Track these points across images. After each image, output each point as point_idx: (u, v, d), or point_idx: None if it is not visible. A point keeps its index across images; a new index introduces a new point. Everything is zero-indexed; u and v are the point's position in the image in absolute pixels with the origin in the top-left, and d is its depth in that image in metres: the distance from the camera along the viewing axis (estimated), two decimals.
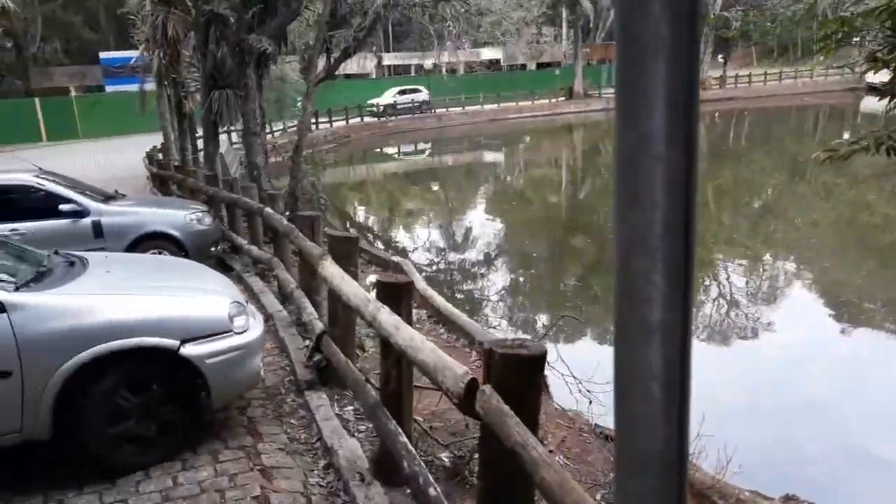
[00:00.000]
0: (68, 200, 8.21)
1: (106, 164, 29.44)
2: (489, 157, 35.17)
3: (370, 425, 4.33)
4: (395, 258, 9.43)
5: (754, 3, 55.80)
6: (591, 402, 5.09)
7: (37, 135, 40.06)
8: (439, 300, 7.55)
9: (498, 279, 13.12)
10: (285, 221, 6.64)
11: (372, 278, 8.12)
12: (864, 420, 6.53)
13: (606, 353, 5.02)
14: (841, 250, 14.07)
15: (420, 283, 8.18)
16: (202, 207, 9.45)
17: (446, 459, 4.15)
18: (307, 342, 5.33)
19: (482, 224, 18.49)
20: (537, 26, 52.09)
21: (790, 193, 20.74)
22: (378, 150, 37.66)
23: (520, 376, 2.20)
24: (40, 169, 9.27)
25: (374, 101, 41.51)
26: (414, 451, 3.06)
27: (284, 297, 7.07)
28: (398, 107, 42.08)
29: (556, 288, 12.11)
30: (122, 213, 8.55)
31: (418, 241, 16.84)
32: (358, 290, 3.90)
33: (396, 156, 36.79)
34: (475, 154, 35.99)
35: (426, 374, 2.64)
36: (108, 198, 8.93)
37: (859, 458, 5.94)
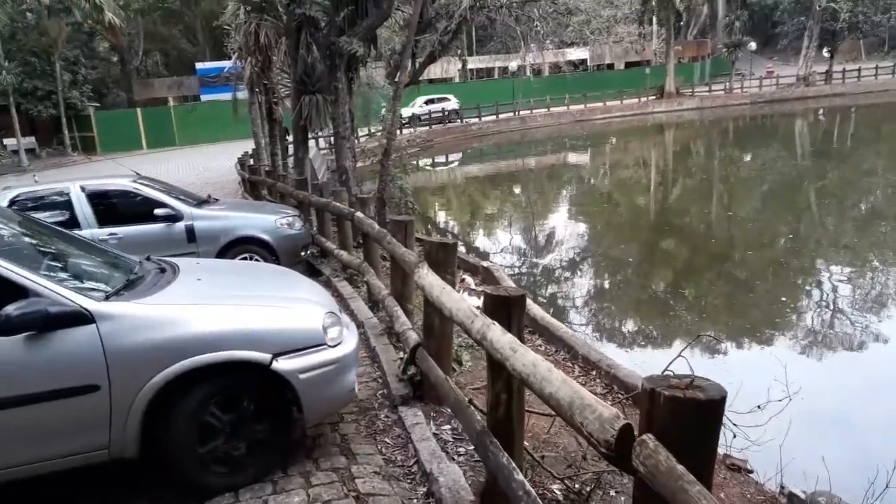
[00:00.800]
0: (163, 205, 8.29)
1: (200, 169, 30.66)
2: (573, 158, 34.28)
3: (470, 447, 3.95)
4: (485, 263, 9.05)
5: None
6: (734, 436, 4.41)
7: (138, 143, 42.28)
8: (535, 308, 7.09)
9: (586, 284, 12.53)
10: (377, 226, 6.37)
11: (469, 282, 7.75)
12: None
13: (740, 375, 4.43)
14: None
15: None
16: (292, 212, 9.38)
17: (559, 492, 3.71)
18: (401, 354, 5.00)
19: (567, 228, 17.88)
20: (626, 24, 50.62)
21: None
22: (461, 153, 37.48)
23: (693, 425, 1.74)
24: (138, 174, 9.45)
25: None
26: (533, 492, 2.64)
27: (374, 304, 6.81)
28: (423, 118, 39.83)
29: (649, 294, 11.37)
30: (214, 218, 8.57)
31: (500, 245, 16.44)
32: (461, 303, 3.52)
33: (479, 159, 36.45)
34: (558, 156, 35.19)
35: (557, 411, 2.22)
36: (200, 202, 8.98)
37: None
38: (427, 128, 39.02)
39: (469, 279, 7.83)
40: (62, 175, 29.93)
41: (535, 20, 29.14)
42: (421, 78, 29.02)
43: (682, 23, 58.11)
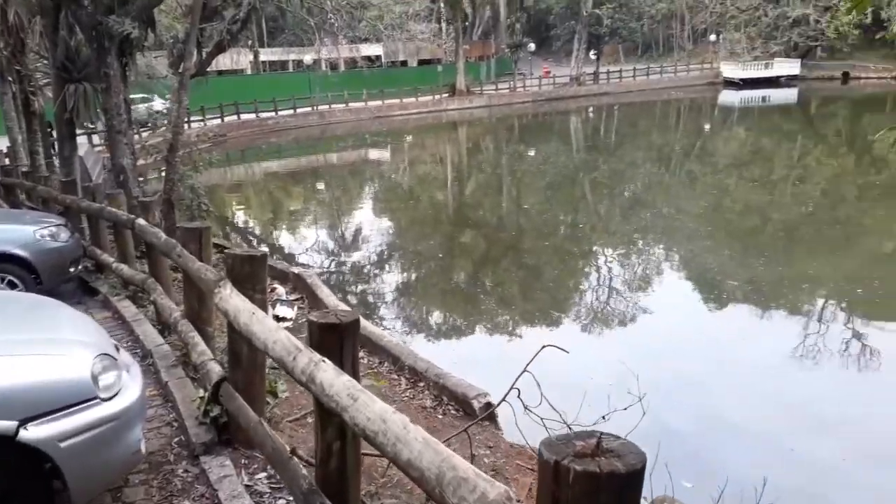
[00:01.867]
0: None
1: None
2: (374, 154, 34.13)
3: (291, 498, 3.33)
4: (296, 269, 8.30)
5: (622, 1, 58.36)
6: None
7: None
8: None
9: (395, 281, 12.34)
10: (163, 235, 5.41)
11: (280, 291, 6.99)
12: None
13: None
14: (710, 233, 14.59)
15: (330, 299, 7.15)
16: (57, 220, 7.89)
17: None
18: (201, 392, 4.20)
19: (372, 224, 17.65)
20: (417, 22, 51.53)
21: (659, 184, 21.49)
22: (258, 148, 35.68)
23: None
24: None
25: None
26: None
27: (166, 327, 5.82)
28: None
29: (456, 287, 11.61)
30: None
31: (307, 244, 15.76)
32: (277, 333, 2.88)
33: (277, 155, 34.93)
34: (360, 152, 34.87)
35: (418, 483, 1.73)
36: None
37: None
38: (219, 121, 36.47)
39: (280, 288, 7.11)
40: None
41: (328, 12, 28.47)
42: (209, 69, 26.99)
43: (468, 23, 60.48)
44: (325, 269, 12.89)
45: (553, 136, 36.83)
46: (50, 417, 2.77)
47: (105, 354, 3.17)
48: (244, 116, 38.27)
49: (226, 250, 4.14)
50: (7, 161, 17.71)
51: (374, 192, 24.55)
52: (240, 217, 21.36)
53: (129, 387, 3.22)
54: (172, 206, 9.04)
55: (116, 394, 3.09)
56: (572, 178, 24.00)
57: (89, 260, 8.48)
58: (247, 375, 3.86)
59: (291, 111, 40.35)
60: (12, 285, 7.13)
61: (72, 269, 7.71)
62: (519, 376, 3.53)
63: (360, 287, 12.06)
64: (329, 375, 2.32)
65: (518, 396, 3.69)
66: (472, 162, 30.47)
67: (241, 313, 3.35)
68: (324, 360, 2.43)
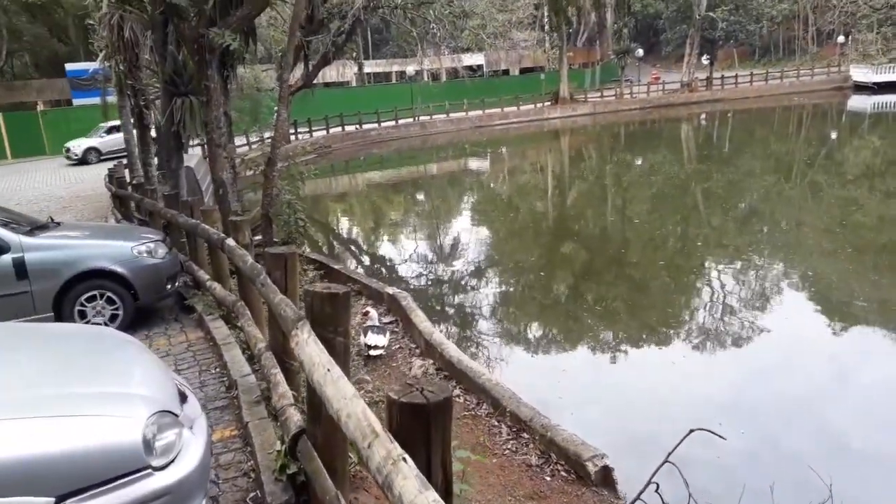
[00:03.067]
0: None
1: (73, 180, 27.70)
2: (474, 164, 33.72)
3: None
4: (391, 290, 7.86)
5: (739, 3, 55.26)
6: None
7: (1, 152, 38.02)
8: (451, 349, 5.99)
9: (495, 300, 11.64)
10: (249, 259, 5.05)
11: (373, 316, 6.55)
12: None
13: None
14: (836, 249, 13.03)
15: (424, 325, 6.63)
16: (155, 236, 7.83)
17: None
18: (278, 445, 3.74)
19: (470, 235, 17.09)
20: (520, 30, 50.92)
21: (778, 195, 19.75)
22: (361, 159, 36.19)
23: None
24: None
25: (71, 143, 31.10)
26: None
27: (252, 356, 5.47)
28: (104, 152, 29.70)
29: (561, 310, 10.79)
30: (51, 248, 6.93)
31: (404, 255, 15.46)
32: (353, 405, 2.32)
33: (379, 165, 35.24)
34: (460, 162, 34.56)
35: None
36: (35, 227, 7.29)
37: None
38: (325, 133, 37.30)
39: (373, 312, 6.66)
40: None
41: (430, 22, 28.30)
42: (316, 81, 27.49)
43: (572, 29, 59.22)
44: (421, 283, 12.47)
45: (662, 145, 35.11)
46: (92, 493, 2.35)
47: (164, 412, 2.74)
48: (348, 128, 38.97)
49: (307, 287, 3.66)
50: (127, 172, 18.56)
51: (472, 202, 24.11)
52: (343, 225, 21.49)
53: (191, 449, 2.78)
54: (271, 222, 8.85)
55: (174, 459, 2.65)
56: (682, 188, 22.60)
57: (187, 275, 8.39)
58: (326, 433, 3.34)
59: (394, 122, 40.73)
60: (110, 301, 7.10)
61: (169, 286, 7.61)
62: (661, 465, 2.83)
63: (455, 301, 11.51)
64: (410, 489, 1.72)
65: (657, 491, 2.97)
66: (574, 171, 29.47)
67: (315, 368, 2.83)
68: (404, 459, 1.84)
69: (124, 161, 19.30)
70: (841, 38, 52.74)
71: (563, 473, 4.26)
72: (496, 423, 4.92)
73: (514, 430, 4.78)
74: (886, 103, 43.31)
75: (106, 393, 2.78)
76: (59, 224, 7.83)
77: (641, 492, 3.24)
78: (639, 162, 29.18)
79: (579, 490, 4.08)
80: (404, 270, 13.79)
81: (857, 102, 45.41)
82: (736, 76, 51.26)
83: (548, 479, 4.21)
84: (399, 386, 2.13)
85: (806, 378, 7.28)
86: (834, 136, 34.50)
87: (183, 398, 3.28)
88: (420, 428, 2.04)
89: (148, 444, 2.56)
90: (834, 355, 8.11)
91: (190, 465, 2.73)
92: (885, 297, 9.83)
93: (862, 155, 27.56)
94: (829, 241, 13.76)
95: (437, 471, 2.06)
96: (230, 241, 5.83)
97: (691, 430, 3.10)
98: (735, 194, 20.45)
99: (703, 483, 3.70)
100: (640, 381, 7.28)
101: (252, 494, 3.74)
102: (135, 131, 17.09)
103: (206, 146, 16.84)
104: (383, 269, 14.18)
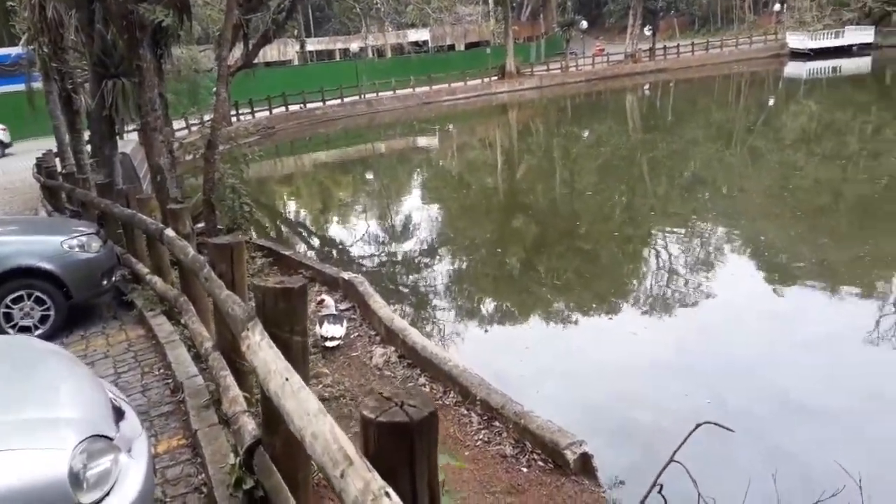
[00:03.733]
0: None
1: None
2: (423, 141, 33.26)
3: None
4: (346, 274, 7.48)
5: None
6: None
7: None
8: (413, 335, 5.69)
9: (449, 277, 11.39)
10: (191, 251, 4.63)
11: (329, 303, 6.19)
12: None
13: None
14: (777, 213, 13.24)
15: (384, 311, 6.31)
16: (88, 228, 7.26)
17: None
18: (231, 458, 3.38)
19: (422, 213, 16.80)
20: (465, 4, 50.31)
21: (720, 162, 20.12)
22: (307, 139, 35.29)
23: None
24: None
25: None
26: None
27: (198, 356, 5.07)
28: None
29: (517, 285, 10.62)
30: None
31: (356, 236, 15.08)
32: (319, 423, 2.00)
33: (326, 145, 34.43)
34: (408, 140, 34.05)
35: None
36: None
37: None
38: (268, 113, 36.17)
39: (328, 300, 6.30)
40: None
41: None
42: (257, 60, 26.46)
43: (516, 3, 58.85)
44: (376, 265, 12.11)
45: (608, 116, 35.28)
46: None
47: (96, 437, 2.37)
48: (292, 108, 37.92)
49: (255, 281, 3.29)
50: (58, 162, 17.51)
51: (423, 180, 23.76)
52: (291, 209, 20.87)
53: (129, 477, 2.42)
54: (213, 209, 8.35)
55: (109, 491, 2.29)
56: (629, 158, 22.71)
57: (126, 269, 7.85)
58: (285, 443, 3.01)
59: (339, 101, 39.80)
60: (39, 301, 6.55)
61: (104, 282, 7.07)
62: (666, 465, 2.60)
63: (412, 282, 11.20)
64: None
65: (660, 492, 2.75)
66: (522, 145, 29.32)
67: (271, 376, 2.50)
68: (387, 494, 1.53)
69: (54, 149, 18.23)
70: (777, 7, 53.81)
71: (539, 463, 4.03)
72: (465, 412, 4.66)
73: (486, 418, 4.52)
74: (821, 69, 44.46)
75: (25, 420, 2.39)
76: None
77: (647, 494, 3.02)
78: (586, 134, 29.26)
79: (558, 480, 3.87)
80: (357, 252, 13.41)
81: (794, 69, 46.46)
82: (678, 46, 51.82)
83: (524, 470, 3.98)
84: (374, 401, 1.81)
85: (753, 337, 7.27)
86: (772, 102, 35.21)
87: (119, 415, 2.90)
88: (403, 450, 1.74)
89: (76, 478, 2.20)
90: (777, 314, 8.15)
91: (129, 495, 2.38)
92: (825, 257, 9.98)
93: (799, 120, 28.18)
94: (770, 204, 13.96)
95: (423, 497, 1.76)
96: (169, 232, 5.37)
97: (698, 425, 2.88)
98: (679, 163, 20.69)
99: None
100: (603, 353, 7.16)
101: None
102: (63, 117, 16.08)
103: (140, 132, 15.95)
104: (335, 253, 13.76)
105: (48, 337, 6.57)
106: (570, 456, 3.91)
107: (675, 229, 12.68)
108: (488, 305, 9.73)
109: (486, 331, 8.49)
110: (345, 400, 4.86)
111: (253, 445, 3.15)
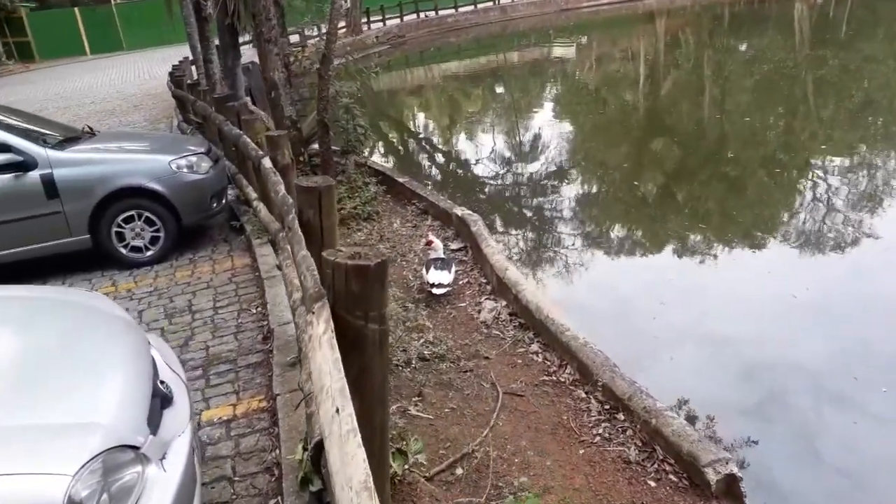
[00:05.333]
0: (4, 148, 5.93)
1: (146, 77, 27.50)
2: (559, 52, 31.17)
3: None
4: (459, 210, 6.81)
5: None
6: None
7: (80, 48, 38.35)
8: (528, 292, 4.96)
9: (581, 213, 10.38)
10: (281, 190, 4.11)
11: (437, 246, 5.59)
12: None
13: None
14: None
15: (497, 258, 5.61)
16: (199, 147, 7.01)
17: None
18: (300, 450, 2.90)
19: (553, 131, 15.56)
20: None
21: None
22: (437, 48, 34.22)
23: None
24: None
25: None
26: None
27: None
28: None
29: (648, 210, 9.46)
30: (82, 163, 6.23)
31: (480, 154, 14.26)
32: (353, 468, 1.38)
33: (456, 55, 33.23)
34: (543, 50, 32.06)
35: None
36: (67, 139, 6.58)
37: None
38: (398, 21, 35.32)
39: (437, 242, 5.67)
40: None
41: None
42: None
43: None
44: (496, 195, 11.31)
45: (771, 27, 31.31)
46: None
47: (115, 448, 1.89)
48: (423, 15, 36.77)
49: (326, 254, 2.66)
50: (193, 70, 17.82)
51: (556, 95, 22.27)
52: (416, 123, 20.33)
53: (154, 495, 1.94)
54: (328, 129, 7.86)
55: None
56: (791, 77, 19.94)
57: (237, 189, 7.64)
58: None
59: (472, 7, 38.08)
60: (150, 222, 6.43)
61: (214, 205, 6.86)
62: None
63: (534, 220, 10.30)
64: None
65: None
66: (669, 59, 26.64)
67: (322, 396, 1.91)
68: None
69: (190, 57, 18.55)
70: None
71: (671, 478, 3.29)
72: (584, 397, 3.96)
73: (608, 408, 3.80)
74: None
75: (24, 429, 1.94)
76: (93, 134, 7.11)
77: None
78: (743, 47, 26.13)
79: (691, 501, 3.13)
80: (479, 173, 12.64)
81: None
82: None
83: (651, 484, 3.26)
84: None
85: None
86: None
87: (166, 403, 2.46)
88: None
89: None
90: None
91: None
92: None
93: None
94: None
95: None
96: (266, 162, 4.90)
97: None
98: (852, 83, 17.77)
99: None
100: (756, 315, 6.06)
101: (272, 503, 2.97)
102: (195, 24, 16.14)
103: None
104: (457, 173, 13.09)
105: (159, 259, 6.51)
106: (712, 476, 3.13)
107: (843, 158, 10.88)
108: (620, 248, 8.72)
109: (615, 281, 7.57)
110: (445, 364, 4.29)
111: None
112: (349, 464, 1.58)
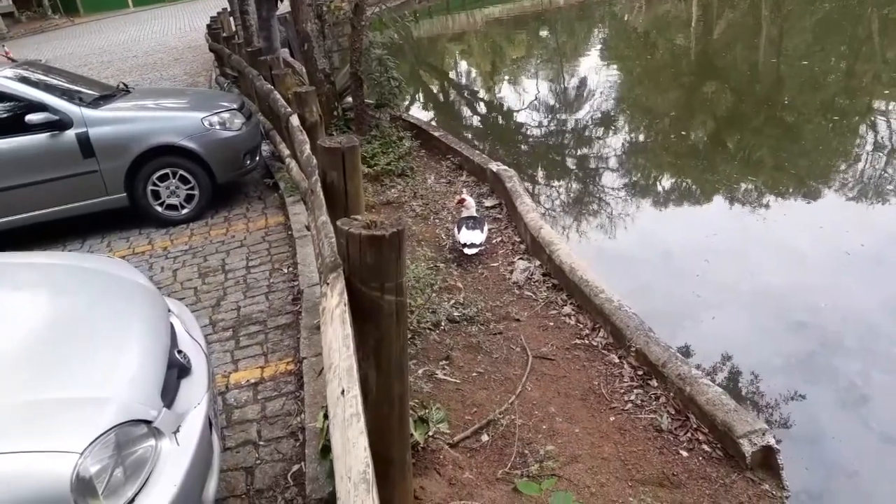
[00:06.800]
0: (40, 107, 5.97)
1: (187, 29, 27.51)
2: None
3: None
4: (494, 165, 6.63)
5: None
6: None
7: (123, 1, 38.46)
8: (562, 252, 4.81)
9: (624, 170, 10.03)
10: (307, 151, 4.02)
11: (470, 204, 5.46)
12: None
13: None
14: None
15: (531, 216, 5.46)
16: (232, 104, 6.95)
17: None
18: (322, 414, 2.88)
19: (603, 79, 15.00)
20: None
21: None
22: None
23: None
24: (27, 61, 7.06)
25: None
26: None
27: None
28: None
29: (698, 162, 9.06)
30: (116, 121, 6.25)
31: (520, 106, 13.85)
32: (353, 459, 1.32)
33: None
34: None
35: None
36: (101, 97, 6.60)
37: None
38: None
39: (469, 200, 5.54)
40: (43, 44, 27.06)
41: None
42: None
43: None
44: (535, 142, 11.00)
45: None
46: None
47: (126, 423, 1.88)
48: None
49: (341, 223, 2.56)
50: (231, 21, 17.66)
51: (603, 38, 21.47)
52: (458, 70, 19.90)
53: (166, 468, 1.93)
54: (361, 82, 7.70)
55: (135, 497, 1.81)
56: (856, 15, 18.74)
57: (271, 145, 7.59)
58: (375, 416, 2.42)
59: None
60: (184, 180, 6.45)
61: (248, 162, 6.83)
62: None
63: (572, 176, 10.00)
64: None
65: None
66: None
67: (330, 374, 1.85)
68: None
69: (228, 9, 18.38)
70: None
71: (704, 447, 3.18)
72: (616, 362, 3.85)
73: (640, 374, 3.69)
74: None
75: (32, 404, 1.93)
76: (128, 91, 7.11)
77: None
78: None
79: (728, 476, 3.02)
80: (521, 125, 12.32)
81: None
82: None
83: (683, 454, 3.15)
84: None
85: None
86: None
87: (183, 373, 2.44)
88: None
89: (86, 485, 1.74)
90: None
91: (164, 496, 1.90)
92: None
93: None
94: None
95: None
96: (294, 120, 4.80)
97: None
98: None
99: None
100: (808, 274, 5.79)
101: (295, 468, 2.97)
102: None
103: None
104: (497, 126, 12.78)
105: (194, 217, 6.55)
106: (748, 447, 3.01)
107: None
108: (664, 201, 8.40)
109: (658, 236, 7.31)
110: (474, 327, 4.21)
111: None
112: (350, 451, 1.51)
